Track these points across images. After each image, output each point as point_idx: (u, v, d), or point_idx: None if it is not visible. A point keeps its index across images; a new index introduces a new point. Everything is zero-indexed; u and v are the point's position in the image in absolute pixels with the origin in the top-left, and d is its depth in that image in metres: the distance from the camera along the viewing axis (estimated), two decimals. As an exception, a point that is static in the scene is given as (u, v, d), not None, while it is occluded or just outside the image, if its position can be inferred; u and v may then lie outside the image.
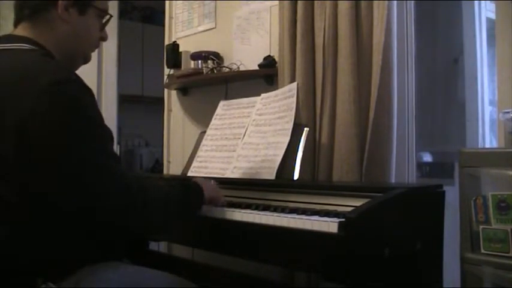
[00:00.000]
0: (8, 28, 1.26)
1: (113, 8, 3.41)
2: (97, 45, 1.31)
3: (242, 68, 2.33)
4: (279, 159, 1.62)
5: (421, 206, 1.31)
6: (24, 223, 1.06)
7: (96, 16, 1.26)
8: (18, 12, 1.21)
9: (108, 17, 1.30)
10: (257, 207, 1.33)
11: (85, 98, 1.09)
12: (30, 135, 1.02)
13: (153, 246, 2.25)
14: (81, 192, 1.04)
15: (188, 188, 1.32)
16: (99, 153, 1.07)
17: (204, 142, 1.99)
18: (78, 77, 1.11)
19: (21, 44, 1.15)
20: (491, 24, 2.11)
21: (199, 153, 1.97)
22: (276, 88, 2.00)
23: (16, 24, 1.22)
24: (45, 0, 1.18)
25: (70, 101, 1.05)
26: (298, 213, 1.22)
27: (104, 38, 1.31)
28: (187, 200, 1.29)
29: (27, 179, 1.04)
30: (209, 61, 2.40)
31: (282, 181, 1.59)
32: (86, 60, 1.30)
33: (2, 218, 1.05)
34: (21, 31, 1.20)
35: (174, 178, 1.87)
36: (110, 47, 3.41)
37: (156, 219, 1.19)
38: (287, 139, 1.64)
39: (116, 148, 3.40)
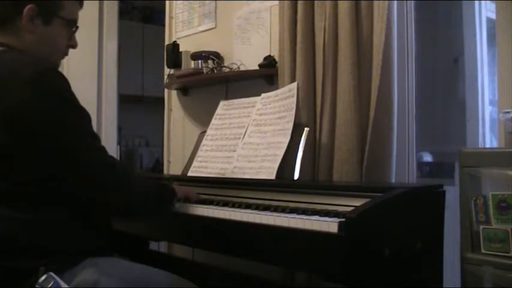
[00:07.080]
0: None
1: (113, 8, 3.42)
2: (65, 53, 1.36)
3: (242, 68, 2.33)
4: (279, 159, 1.62)
5: (421, 206, 1.31)
6: (25, 209, 1.10)
7: (63, 26, 1.30)
8: None
9: (75, 27, 1.34)
10: (257, 207, 1.33)
11: (65, 85, 1.17)
12: (19, 124, 1.09)
13: (153, 246, 2.25)
14: (75, 172, 1.13)
15: (163, 184, 1.50)
16: (85, 134, 1.17)
17: (204, 142, 1.99)
18: (55, 67, 1.21)
19: None
20: (491, 24, 2.11)
21: (200, 153, 1.97)
22: (276, 88, 2.00)
23: None
24: (11, 11, 1.23)
25: (53, 89, 1.14)
26: (298, 213, 1.22)
27: (73, 46, 1.36)
28: (163, 190, 1.42)
29: (22, 165, 1.11)
30: (209, 61, 2.39)
31: (282, 181, 1.59)
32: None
33: (6, 204, 1.10)
34: None
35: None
36: (110, 47, 3.40)
37: (137, 200, 1.28)
38: (287, 139, 1.64)
39: (116, 148, 3.40)
